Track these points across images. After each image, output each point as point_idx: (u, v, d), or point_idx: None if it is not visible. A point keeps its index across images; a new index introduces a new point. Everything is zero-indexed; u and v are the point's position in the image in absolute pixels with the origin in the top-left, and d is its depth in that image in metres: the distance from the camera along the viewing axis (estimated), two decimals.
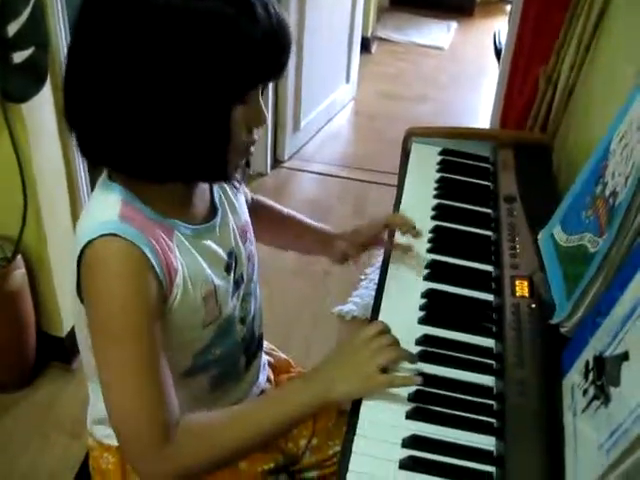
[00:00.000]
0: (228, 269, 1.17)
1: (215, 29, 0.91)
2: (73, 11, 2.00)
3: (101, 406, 1.08)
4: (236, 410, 1.13)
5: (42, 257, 2.22)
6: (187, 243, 1.08)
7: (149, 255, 0.99)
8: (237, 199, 1.25)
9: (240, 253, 1.21)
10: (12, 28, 1.83)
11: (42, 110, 2.03)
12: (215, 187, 1.19)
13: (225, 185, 1.21)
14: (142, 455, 1.03)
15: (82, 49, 0.97)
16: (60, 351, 2.41)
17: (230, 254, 1.18)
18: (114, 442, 1.22)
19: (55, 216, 2.21)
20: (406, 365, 1.11)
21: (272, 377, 1.45)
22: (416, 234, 1.40)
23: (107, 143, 0.99)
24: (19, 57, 1.87)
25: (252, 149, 1.09)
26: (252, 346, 1.31)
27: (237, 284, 1.21)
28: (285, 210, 1.49)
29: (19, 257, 2.14)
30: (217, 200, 1.18)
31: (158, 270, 1.00)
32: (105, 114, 0.97)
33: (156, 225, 1.03)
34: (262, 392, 1.37)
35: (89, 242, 0.98)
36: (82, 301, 1.04)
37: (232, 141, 1.01)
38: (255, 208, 1.37)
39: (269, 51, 0.97)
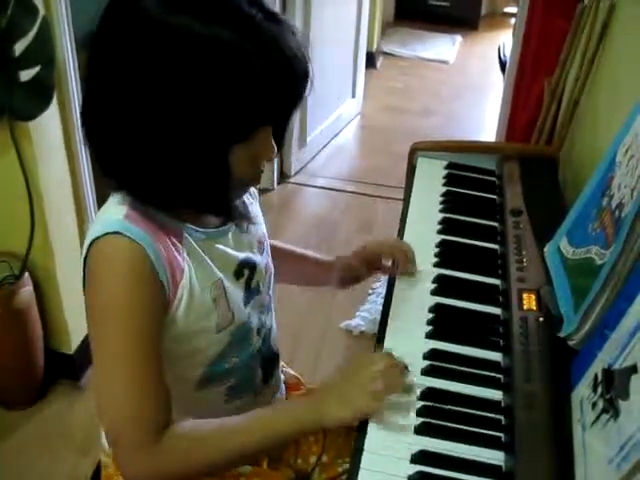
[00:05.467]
0: (237, 275, 1.17)
1: (218, 60, 0.92)
2: (79, 29, 2.02)
3: None
4: (229, 423, 1.10)
5: (50, 274, 2.23)
6: (196, 246, 1.09)
7: (151, 254, 1.00)
8: (253, 209, 1.26)
9: (256, 262, 1.21)
10: (19, 47, 1.85)
11: (49, 128, 2.04)
12: None
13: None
14: (126, 451, 1.02)
15: (97, 75, 0.99)
16: (68, 368, 2.41)
17: (244, 261, 1.18)
18: None
19: (62, 233, 2.21)
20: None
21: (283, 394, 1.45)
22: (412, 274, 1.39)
23: (118, 164, 1.02)
24: (26, 75, 1.89)
25: (259, 179, 1.10)
26: (269, 360, 1.30)
27: (252, 293, 1.21)
28: (285, 245, 1.47)
29: (27, 274, 2.15)
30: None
31: (160, 270, 1.01)
32: (114, 136, 0.99)
33: (164, 227, 1.05)
34: None
35: (93, 241, 1.01)
36: None
37: (233, 178, 1.02)
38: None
39: (270, 97, 0.96)
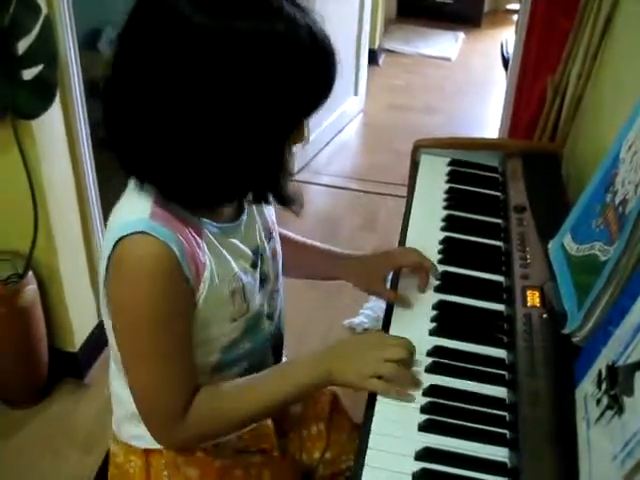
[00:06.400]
0: (254, 265, 1.20)
1: (278, 52, 0.94)
2: (82, 28, 2.03)
3: (131, 401, 1.14)
4: (245, 384, 1.18)
5: (53, 273, 2.23)
6: (215, 240, 1.11)
7: (177, 252, 1.01)
8: None
9: (265, 251, 1.24)
10: (22, 45, 1.85)
11: (52, 126, 2.04)
12: None
13: None
14: (162, 427, 1.14)
15: (128, 76, 0.98)
16: (72, 367, 2.42)
17: (255, 251, 1.20)
18: (141, 443, 1.24)
19: (66, 232, 2.21)
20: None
21: None
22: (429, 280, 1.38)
23: (157, 170, 1.02)
24: (29, 74, 1.89)
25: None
26: (279, 343, 1.33)
27: (262, 281, 1.23)
28: (301, 238, 1.48)
29: (30, 273, 2.15)
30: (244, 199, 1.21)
31: (185, 267, 1.03)
32: (157, 139, 0.99)
33: (186, 223, 1.06)
34: None
35: (119, 239, 1.01)
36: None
37: (284, 164, 1.06)
38: None
39: (324, 73, 1.00)
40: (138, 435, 1.23)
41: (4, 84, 1.86)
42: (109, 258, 1.03)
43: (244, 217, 1.19)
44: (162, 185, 1.03)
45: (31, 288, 2.16)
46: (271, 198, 1.15)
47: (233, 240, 1.15)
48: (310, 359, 1.17)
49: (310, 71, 0.97)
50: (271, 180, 1.08)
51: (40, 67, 1.90)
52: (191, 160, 0.99)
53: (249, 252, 1.18)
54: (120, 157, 1.04)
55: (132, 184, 1.08)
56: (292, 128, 1.02)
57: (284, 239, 1.42)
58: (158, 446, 1.22)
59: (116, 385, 1.26)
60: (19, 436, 2.26)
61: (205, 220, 1.10)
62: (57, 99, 1.99)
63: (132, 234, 1.01)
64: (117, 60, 1.00)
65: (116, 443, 1.30)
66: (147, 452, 1.24)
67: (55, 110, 2.02)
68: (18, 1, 1.79)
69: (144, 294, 1.02)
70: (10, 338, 2.20)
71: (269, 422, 1.33)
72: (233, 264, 1.13)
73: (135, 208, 1.05)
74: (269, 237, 1.26)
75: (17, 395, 2.36)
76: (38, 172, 2.02)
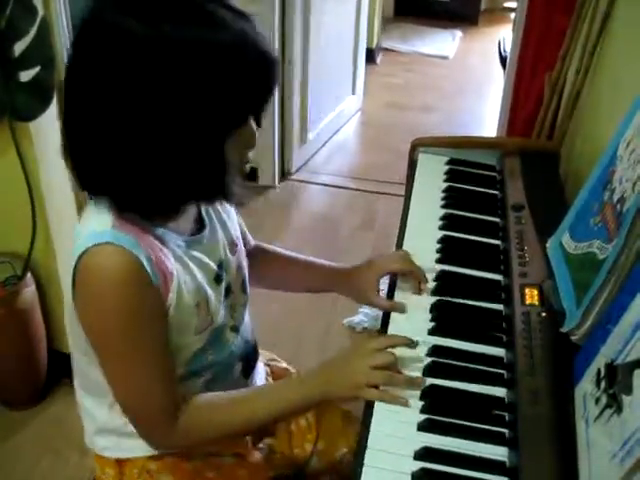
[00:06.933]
0: (218, 279, 1.19)
1: (211, 59, 0.94)
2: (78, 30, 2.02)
3: (99, 414, 1.18)
4: (238, 397, 1.20)
5: (52, 274, 2.23)
6: (180, 252, 1.11)
7: (143, 261, 1.01)
8: (226, 212, 1.28)
9: (229, 264, 1.23)
10: (18, 47, 1.85)
11: (49, 128, 2.04)
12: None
13: None
14: (152, 430, 1.15)
15: (77, 85, 0.99)
16: (71, 368, 2.41)
17: (220, 265, 1.20)
18: (113, 454, 1.26)
19: (64, 233, 2.21)
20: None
21: None
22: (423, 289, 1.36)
23: (108, 182, 1.03)
24: (26, 76, 1.89)
25: (247, 167, 1.12)
26: (248, 353, 1.32)
27: (227, 294, 1.23)
28: (289, 252, 1.47)
29: (29, 275, 2.15)
30: (204, 213, 1.21)
31: (152, 275, 1.03)
32: (103, 151, 1.00)
33: (149, 233, 1.06)
34: None
35: (84, 251, 1.01)
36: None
37: (228, 166, 1.04)
38: (256, 254, 1.39)
39: (260, 79, 1.00)
40: (108, 446, 1.25)
41: (1, 86, 1.86)
42: (74, 271, 1.03)
43: (206, 231, 1.19)
44: (113, 195, 1.03)
45: (30, 290, 2.16)
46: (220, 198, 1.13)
47: (197, 253, 1.15)
48: (305, 378, 1.19)
49: (243, 76, 0.97)
50: (216, 183, 1.06)
51: (37, 69, 1.89)
52: (136, 167, 0.99)
53: (214, 265, 1.18)
54: (77, 174, 1.05)
55: (89, 204, 1.08)
56: (228, 131, 1.01)
57: (272, 256, 1.44)
58: (129, 455, 1.24)
59: (84, 399, 1.27)
60: (18, 437, 2.26)
61: (167, 232, 1.10)
62: (54, 101, 1.98)
63: (97, 245, 1.00)
64: (66, 78, 1.01)
65: (93, 458, 1.31)
66: (119, 462, 1.26)
67: (52, 111, 2.01)
68: (15, 2, 1.78)
69: (113, 303, 1.02)
70: (9, 339, 2.20)
71: None
72: (198, 276, 1.14)
73: (96, 222, 1.04)
74: (233, 251, 1.26)
75: (16, 396, 2.36)
76: (36, 174, 2.02)
